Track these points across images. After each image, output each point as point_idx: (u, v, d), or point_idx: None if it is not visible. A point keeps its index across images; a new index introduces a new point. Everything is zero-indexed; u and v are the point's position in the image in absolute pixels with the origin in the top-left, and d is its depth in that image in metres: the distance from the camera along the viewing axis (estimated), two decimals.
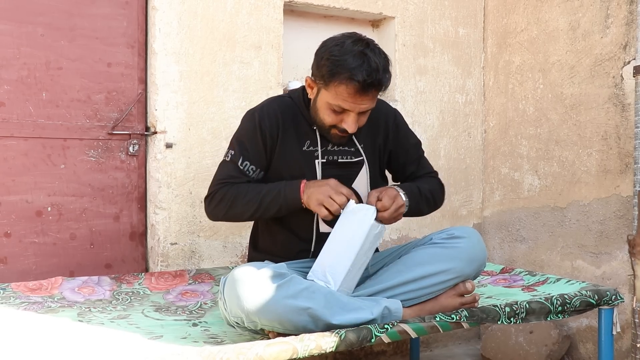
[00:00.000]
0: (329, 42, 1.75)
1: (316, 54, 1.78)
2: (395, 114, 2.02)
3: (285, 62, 2.64)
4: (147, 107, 2.39)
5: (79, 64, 2.27)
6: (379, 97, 1.80)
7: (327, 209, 1.70)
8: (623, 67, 2.44)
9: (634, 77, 2.30)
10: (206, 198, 1.88)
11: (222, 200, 1.81)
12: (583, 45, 2.60)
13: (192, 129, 2.39)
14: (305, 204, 1.74)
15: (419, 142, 2.07)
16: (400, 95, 2.86)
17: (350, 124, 1.74)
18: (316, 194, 1.71)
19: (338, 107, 1.72)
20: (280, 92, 2.54)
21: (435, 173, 2.08)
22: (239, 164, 1.83)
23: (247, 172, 1.83)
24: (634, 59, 2.35)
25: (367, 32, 2.93)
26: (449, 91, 3.01)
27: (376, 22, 2.94)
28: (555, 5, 2.72)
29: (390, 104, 2.77)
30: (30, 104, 2.20)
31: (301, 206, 1.75)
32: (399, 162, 2.02)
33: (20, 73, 2.18)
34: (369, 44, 1.73)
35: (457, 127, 3.04)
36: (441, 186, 2.05)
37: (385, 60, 1.73)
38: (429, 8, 2.93)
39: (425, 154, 2.09)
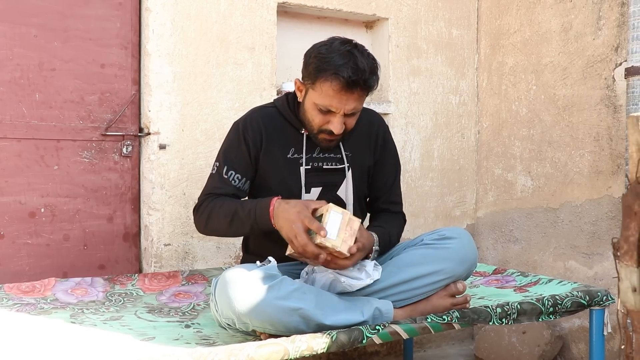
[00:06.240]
0: (318, 43, 1.78)
1: (305, 55, 1.80)
2: (386, 130, 2.00)
3: (279, 63, 2.64)
4: (140, 108, 2.39)
5: (73, 65, 2.27)
6: (371, 108, 1.79)
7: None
8: (615, 68, 2.45)
9: (625, 78, 2.31)
10: (194, 210, 1.87)
11: (202, 213, 1.81)
12: (575, 47, 2.61)
13: (186, 130, 2.39)
14: (277, 228, 1.67)
15: (399, 166, 2.03)
16: (394, 96, 2.87)
17: (336, 125, 1.74)
18: (285, 228, 1.63)
19: (324, 107, 1.73)
20: (274, 93, 2.55)
21: (401, 206, 2.03)
22: (223, 173, 1.83)
23: (232, 181, 1.83)
24: (626, 61, 2.36)
25: (361, 33, 2.94)
26: (442, 92, 3.02)
27: (370, 24, 2.95)
28: (548, 7, 2.74)
29: (384, 105, 2.82)
30: (23, 105, 2.20)
31: (273, 228, 1.68)
32: (373, 180, 1.98)
33: (13, 74, 2.18)
34: (357, 45, 1.75)
35: (450, 128, 3.04)
36: (404, 225, 2.02)
37: (372, 62, 1.74)
38: (422, 9, 2.93)
39: (399, 180, 2.03)
